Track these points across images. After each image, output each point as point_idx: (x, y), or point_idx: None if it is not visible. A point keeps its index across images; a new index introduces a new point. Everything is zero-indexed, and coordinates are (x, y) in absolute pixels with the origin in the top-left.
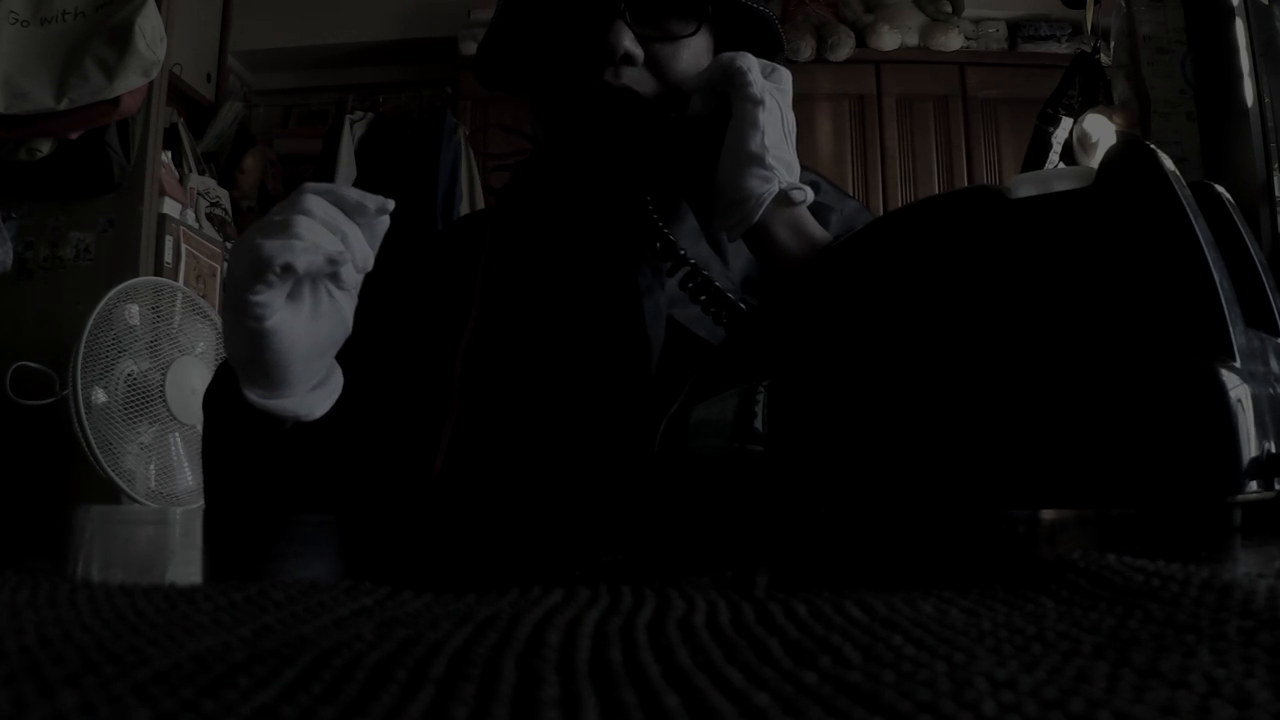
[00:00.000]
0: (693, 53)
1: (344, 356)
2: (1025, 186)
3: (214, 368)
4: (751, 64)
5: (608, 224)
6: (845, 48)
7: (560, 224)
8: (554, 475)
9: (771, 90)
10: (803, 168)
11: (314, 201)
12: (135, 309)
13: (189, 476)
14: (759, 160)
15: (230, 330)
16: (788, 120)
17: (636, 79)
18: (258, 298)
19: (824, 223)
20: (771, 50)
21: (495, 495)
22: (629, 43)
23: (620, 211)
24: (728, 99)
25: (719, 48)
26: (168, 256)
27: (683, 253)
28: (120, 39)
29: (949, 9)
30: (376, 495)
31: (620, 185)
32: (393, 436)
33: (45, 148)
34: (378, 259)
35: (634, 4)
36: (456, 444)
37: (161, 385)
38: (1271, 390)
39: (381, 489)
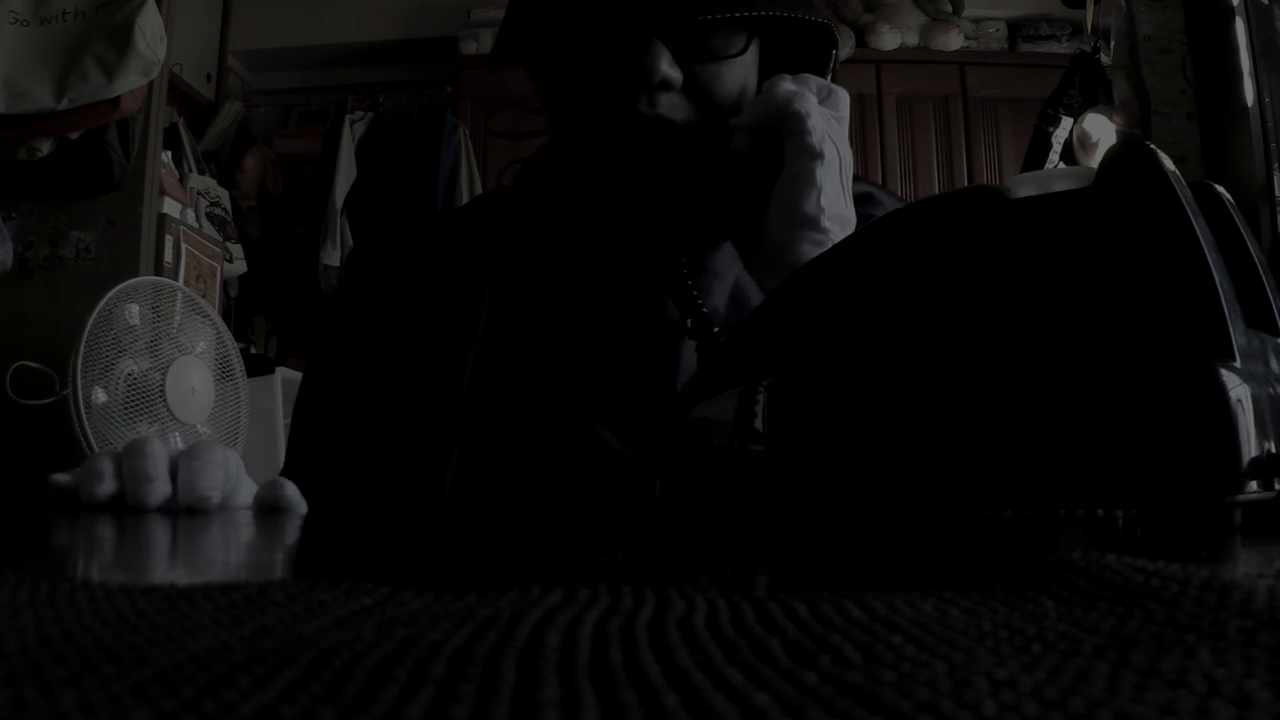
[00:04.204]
0: (738, 73)
1: (347, 384)
2: (1025, 186)
3: (214, 368)
4: (810, 106)
5: (635, 257)
6: (845, 47)
7: (579, 241)
8: (569, 508)
9: (829, 128)
10: (858, 178)
11: None
12: (135, 309)
13: None
14: (813, 223)
15: None
16: (845, 161)
17: (673, 106)
18: None
19: None
20: (824, 57)
21: (506, 528)
22: (666, 65)
23: (651, 264)
24: (778, 134)
25: (765, 59)
26: (168, 256)
27: (716, 331)
28: (120, 39)
29: (949, 9)
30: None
31: (652, 232)
32: (397, 469)
33: (45, 148)
34: (376, 267)
35: (674, 21)
36: (464, 474)
37: (161, 385)
38: (1271, 390)
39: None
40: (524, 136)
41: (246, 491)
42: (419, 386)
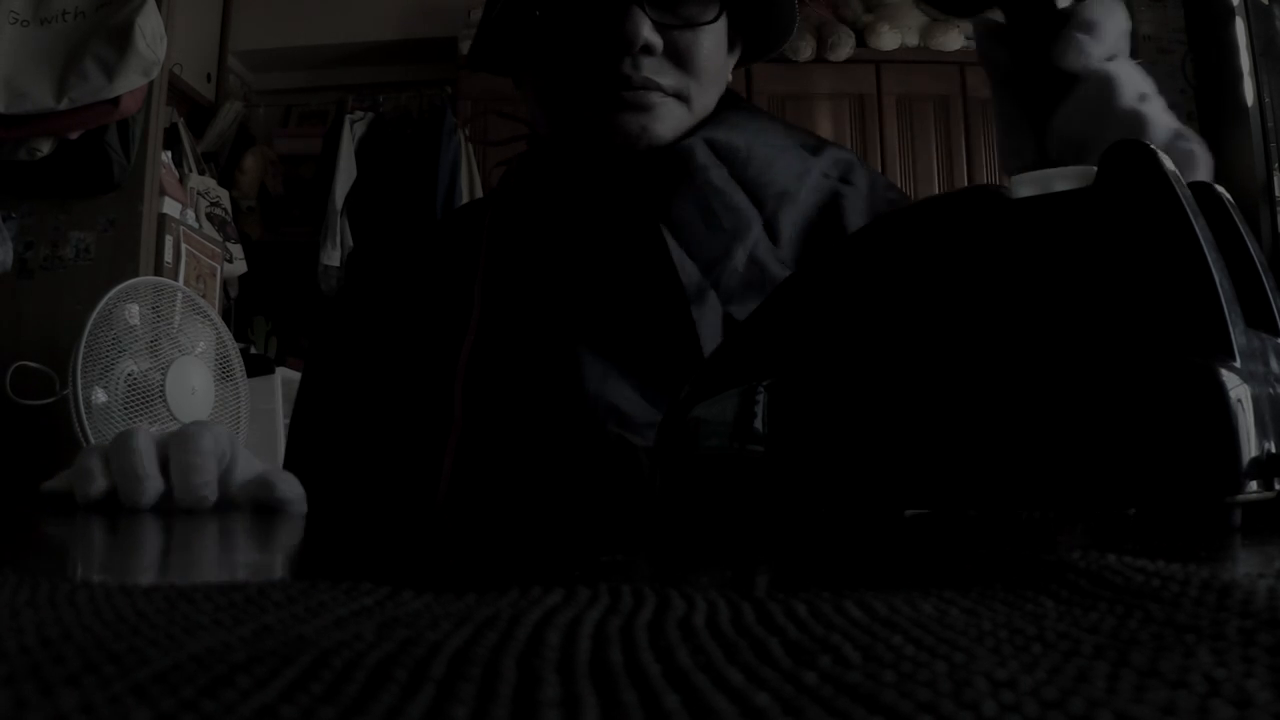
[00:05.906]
0: (713, 39)
1: (344, 381)
2: (1025, 186)
3: (214, 367)
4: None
5: (623, 224)
6: (845, 47)
7: (572, 224)
8: (564, 498)
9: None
10: (836, 144)
11: None
12: (135, 309)
13: None
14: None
15: None
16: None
17: (656, 69)
18: None
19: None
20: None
21: (506, 527)
22: (648, 31)
23: (640, 229)
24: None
25: (733, 30)
26: (168, 256)
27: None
28: (120, 39)
29: None
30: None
31: (640, 197)
32: (395, 460)
33: (45, 148)
34: (372, 269)
35: None
36: (461, 465)
37: (161, 385)
38: (1271, 390)
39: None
40: (507, 142)
41: (245, 465)
42: (415, 380)
